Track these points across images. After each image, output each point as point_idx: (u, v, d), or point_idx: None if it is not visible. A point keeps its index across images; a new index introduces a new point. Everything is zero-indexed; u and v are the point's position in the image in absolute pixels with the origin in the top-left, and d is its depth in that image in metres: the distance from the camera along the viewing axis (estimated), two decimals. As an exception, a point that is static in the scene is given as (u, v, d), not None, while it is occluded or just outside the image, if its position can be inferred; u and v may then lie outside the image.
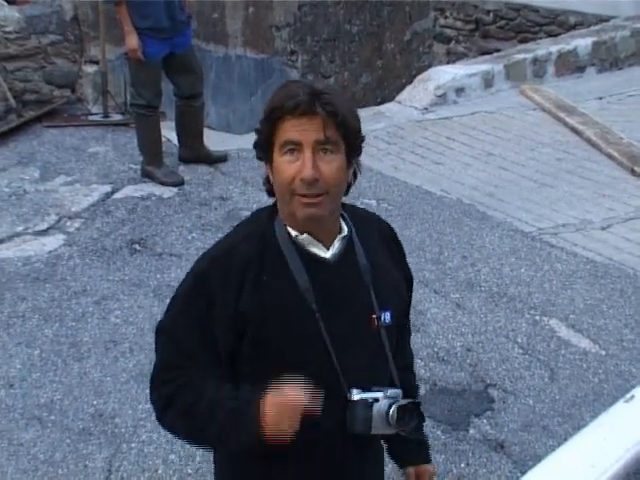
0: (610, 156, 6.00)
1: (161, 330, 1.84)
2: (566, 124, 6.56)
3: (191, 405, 1.75)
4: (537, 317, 4.18)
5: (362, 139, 1.80)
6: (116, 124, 6.63)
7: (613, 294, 4.38)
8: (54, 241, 4.93)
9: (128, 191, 5.48)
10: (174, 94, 5.65)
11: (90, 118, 6.81)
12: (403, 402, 1.78)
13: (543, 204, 5.38)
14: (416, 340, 3.94)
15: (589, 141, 6.27)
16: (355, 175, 1.82)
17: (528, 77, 7.43)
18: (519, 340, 3.99)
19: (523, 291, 4.40)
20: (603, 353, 3.91)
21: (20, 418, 3.48)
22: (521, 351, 3.91)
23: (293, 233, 1.78)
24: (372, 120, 6.84)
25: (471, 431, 3.39)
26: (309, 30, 7.82)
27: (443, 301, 4.28)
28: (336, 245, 1.81)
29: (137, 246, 4.81)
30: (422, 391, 3.61)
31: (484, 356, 3.87)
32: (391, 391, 1.80)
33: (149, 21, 5.28)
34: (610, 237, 4.97)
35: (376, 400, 1.78)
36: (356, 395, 1.78)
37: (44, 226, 5.11)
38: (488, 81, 7.28)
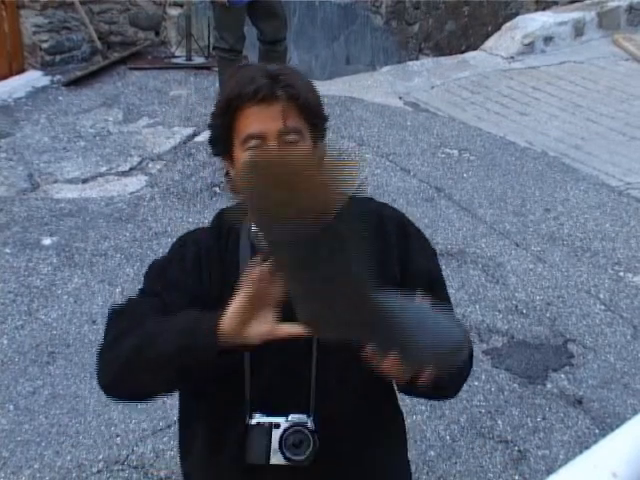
0: None
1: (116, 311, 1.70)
2: (660, 76, 6.35)
3: (133, 328, 1.57)
4: (621, 273, 4.07)
5: (326, 121, 1.65)
6: (198, 67, 6.64)
7: (702, 253, 4.23)
8: (136, 182, 5.00)
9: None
10: (257, 39, 5.61)
11: (173, 61, 6.84)
12: (302, 428, 1.58)
13: (632, 158, 5.21)
14: (495, 292, 3.89)
15: (683, 94, 6.05)
16: None
17: (622, 26, 7.18)
18: (601, 296, 3.89)
19: (607, 246, 4.29)
20: (689, 313, 3.79)
21: (101, 353, 3.55)
22: (603, 307, 3.82)
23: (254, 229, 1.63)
24: (456, 69, 6.71)
25: (548, 385, 3.34)
26: (394, -25, 7.66)
27: (524, 254, 4.19)
28: None
29: (217, 189, 4.83)
30: (499, 344, 3.57)
31: (564, 311, 3.79)
32: (294, 416, 1.59)
33: (234, -36, 5.23)
34: (702, 194, 4.79)
35: (276, 426, 1.58)
36: (255, 419, 1.60)
37: (127, 167, 5.17)
38: (579, 30, 7.05)
